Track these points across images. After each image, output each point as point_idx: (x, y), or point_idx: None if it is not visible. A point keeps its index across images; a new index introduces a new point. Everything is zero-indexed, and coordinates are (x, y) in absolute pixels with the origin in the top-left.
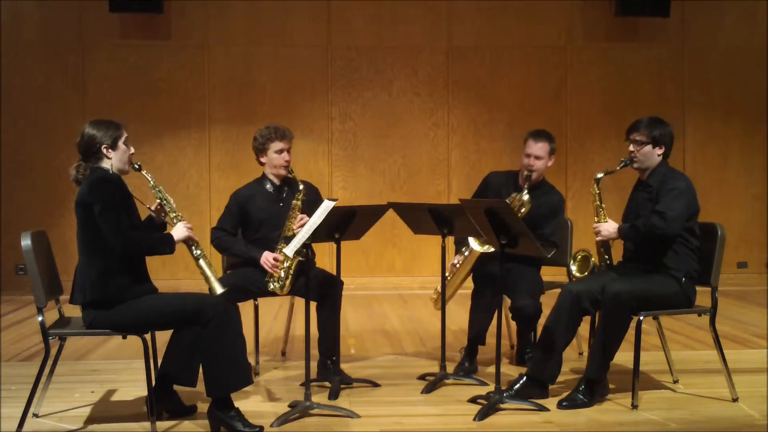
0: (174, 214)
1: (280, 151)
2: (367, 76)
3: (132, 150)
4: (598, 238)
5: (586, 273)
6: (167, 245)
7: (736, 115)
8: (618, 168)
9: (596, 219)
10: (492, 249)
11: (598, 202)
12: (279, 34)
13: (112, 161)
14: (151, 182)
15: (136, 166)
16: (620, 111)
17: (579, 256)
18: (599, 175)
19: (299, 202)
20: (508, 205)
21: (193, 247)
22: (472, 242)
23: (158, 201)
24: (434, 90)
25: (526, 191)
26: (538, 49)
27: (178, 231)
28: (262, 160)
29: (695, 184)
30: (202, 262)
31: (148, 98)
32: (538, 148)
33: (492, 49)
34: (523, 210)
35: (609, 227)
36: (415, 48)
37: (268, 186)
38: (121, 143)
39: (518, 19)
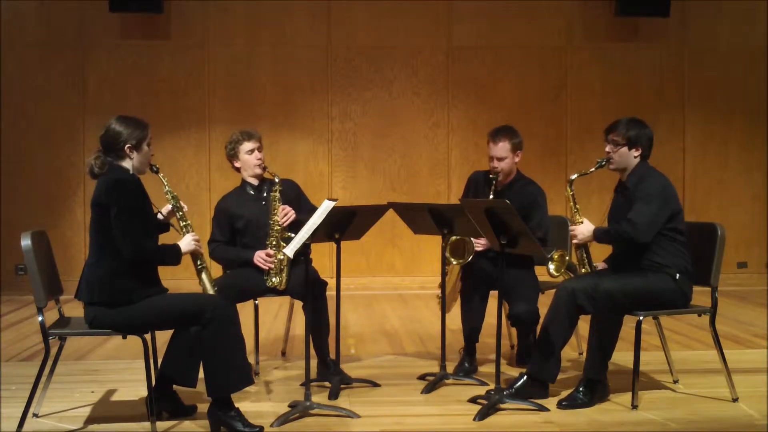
0: (184, 224)
1: (251, 151)
2: (367, 76)
3: (152, 152)
4: (575, 242)
5: (563, 272)
6: (175, 257)
7: (736, 115)
8: (593, 169)
9: (571, 220)
10: (465, 260)
11: (572, 203)
12: (279, 34)
13: (133, 162)
14: (167, 187)
15: (154, 169)
16: (620, 111)
17: (555, 255)
18: (572, 177)
19: (277, 194)
20: (508, 205)
21: (198, 261)
22: (448, 257)
23: (171, 206)
24: (434, 90)
25: (493, 191)
26: (538, 49)
27: (186, 243)
28: (237, 165)
29: (695, 184)
30: (204, 275)
31: (148, 98)
32: (498, 149)
33: (492, 49)
34: None
35: (584, 230)
36: (415, 48)
37: (249, 189)
38: (144, 145)
39: (518, 19)
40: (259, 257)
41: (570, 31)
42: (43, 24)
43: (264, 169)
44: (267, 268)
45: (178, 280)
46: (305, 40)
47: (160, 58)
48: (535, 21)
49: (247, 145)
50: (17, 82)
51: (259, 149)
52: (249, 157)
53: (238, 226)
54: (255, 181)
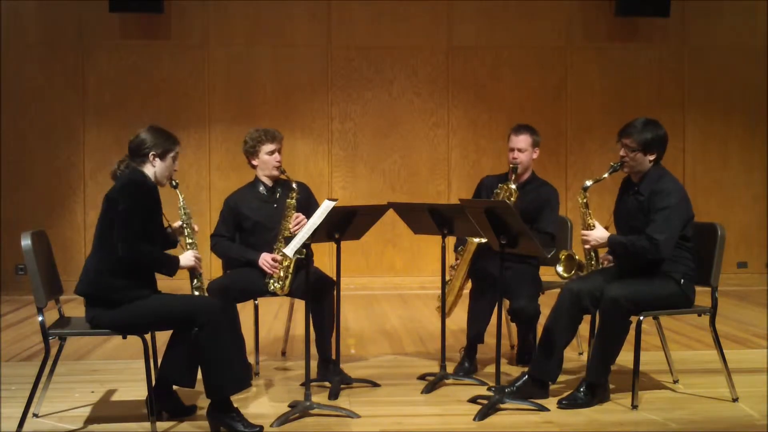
0: (190, 241)
1: (271, 153)
2: (367, 76)
3: (176, 167)
4: (587, 247)
5: (573, 272)
6: (170, 268)
7: (736, 115)
8: (606, 175)
9: (583, 226)
10: (482, 240)
11: (585, 210)
12: (279, 34)
13: (156, 170)
14: (181, 203)
15: (174, 183)
16: (620, 111)
17: (563, 257)
18: (587, 183)
19: (293, 201)
20: (508, 205)
21: (195, 279)
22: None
23: (181, 223)
24: (434, 90)
25: (512, 182)
26: (538, 49)
27: (186, 258)
28: (254, 162)
29: (695, 184)
30: (197, 294)
31: (148, 98)
32: (520, 140)
33: (492, 49)
34: (512, 199)
35: (598, 236)
36: (415, 48)
37: (261, 188)
38: (169, 157)
39: (518, 19)
40: (266, 261)
41: (570, 31)
42: (43, 24)
43: (282, 172)
44: (271, 272)
45: (177, 280)
46: (305, 40)
47: (160, 58)
48: (535, 21)
49: (269, 147)
50: (17, 82)
51: (279, 151)
52: (269, 158)
53: (246, 225)
54: (269, 182)
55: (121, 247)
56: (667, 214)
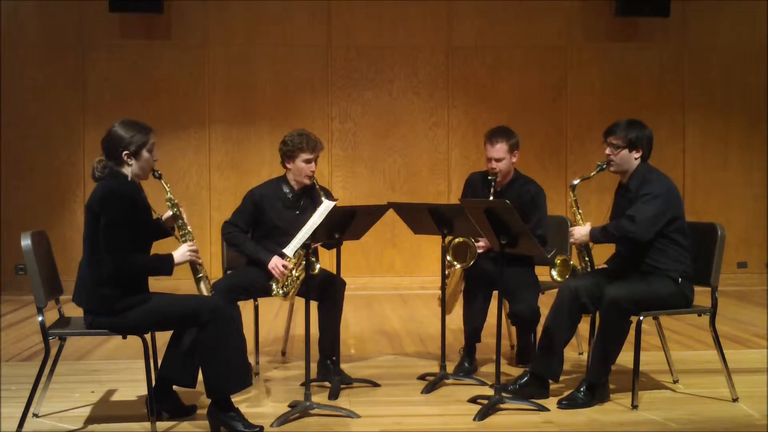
0: (183, 232)
1: (308, 161)
2: (367, 76)
3: (156, 157)
4: (571, 240)
5: (567, 277)
6: (165, 268)
7: (736, 115)
8: (593, 173)
9: (573, 224)
10: (467, 263)
11: (575, 208)
12: (279, 34)
13: (132, 169)
14: (168, 194)
15: (157, 175)
16: (620, 111)
17: (558, 261)
18: (575, 182)
19: None
20: (508, 205)
21: (197, 271)
22: (451, 260)
23: (172, 213)
24: (434, 90)
25: (491, 197)
26: (538, 49)
27: (180, 253)
28: (288, 165)
29: (695, 184)
30: (202, 285)
31: (148, 98)
32: (497, 150)
33: (492, 49)
34: None
35: (581, 230)
36: (415, 48)
37: (287, 191)
38: (144, 151)
39: (518, 19)
40: (277, 266)
41: (570, 31)
42: (43, 24)
43: (314, 183)
44: (279, 278)
45: (177, 279)
46: (305, 40)
47: (160, 58)
48: (535, 21)
49: (308, 156)
50: (17, 82)
51: (316, 161)
52: (304, 166)
53: (264, 224)
54: (297, 187)
55: (108, 265)
56: (647, 198)
